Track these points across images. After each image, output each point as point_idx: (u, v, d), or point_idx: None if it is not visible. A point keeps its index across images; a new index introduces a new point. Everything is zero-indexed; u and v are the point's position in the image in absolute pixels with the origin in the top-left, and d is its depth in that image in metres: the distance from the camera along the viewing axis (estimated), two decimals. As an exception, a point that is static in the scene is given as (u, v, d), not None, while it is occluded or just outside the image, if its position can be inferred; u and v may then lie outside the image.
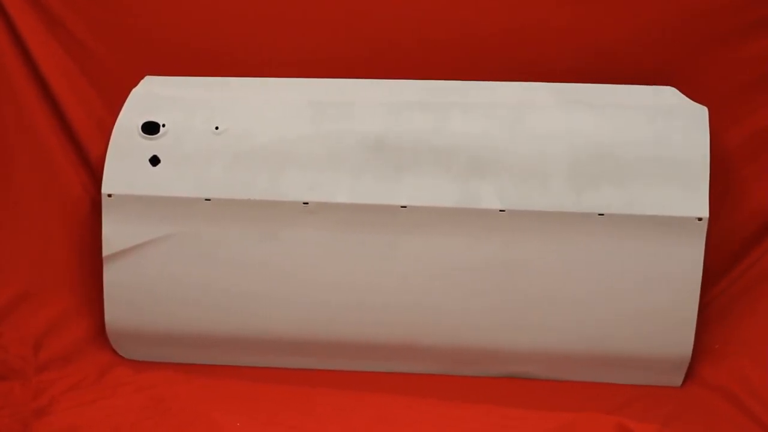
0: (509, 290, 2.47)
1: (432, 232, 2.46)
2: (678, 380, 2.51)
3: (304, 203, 2.48)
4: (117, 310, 2.57)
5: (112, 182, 2.52)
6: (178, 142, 2.54)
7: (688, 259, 2.42)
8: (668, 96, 2.54)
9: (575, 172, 2.44)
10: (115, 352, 2.62)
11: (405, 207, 2.46)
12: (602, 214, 2.42)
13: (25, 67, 2.66)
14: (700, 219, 2.40)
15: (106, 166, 2.54)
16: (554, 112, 2.52)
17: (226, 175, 2.50)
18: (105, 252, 2.54)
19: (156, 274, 2.53)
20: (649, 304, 2.45)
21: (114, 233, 2.52)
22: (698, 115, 2.49)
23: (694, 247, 2.41)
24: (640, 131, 2.48)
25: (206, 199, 2.50)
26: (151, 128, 2.56)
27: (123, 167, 2.53)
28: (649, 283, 2.44)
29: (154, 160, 2.53)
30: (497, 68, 2.63)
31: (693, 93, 2.54)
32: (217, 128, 2.55)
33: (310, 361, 2.58)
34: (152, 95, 2.62)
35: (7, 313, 2.60)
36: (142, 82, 2.66)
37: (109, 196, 2.52)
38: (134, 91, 2.63)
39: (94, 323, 2.65)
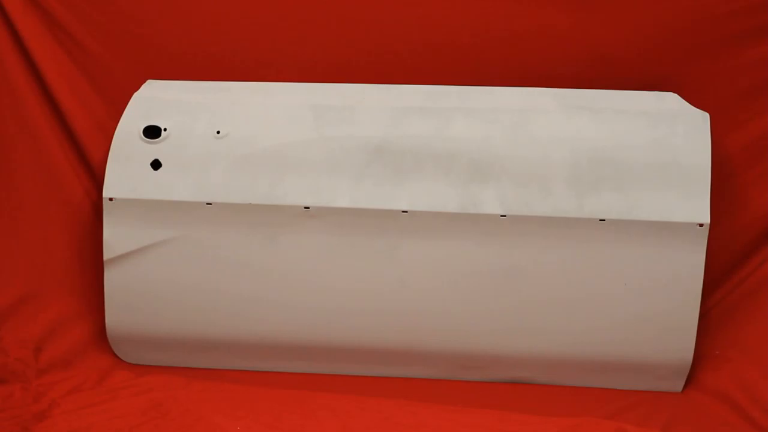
0: (510, 295, 2.47)
1: (433, 237, 2.46)
2: (679, 386, 2.51)
3: (304, 207, 2.48)
4: (117, 314, 2.57)
5: (113, 186, 2.52)
6: (179, 147, 2.54)
7: (689, 265, 2.42)
8: (670, 102, 2.54)
9: (576, 177, 2.44)
10: (115, 355, 2.62)
11: (406, 212, 2.46)
12: (603, 220, 2.42)
13: (27, 71, 2.67)
14: (701, 225, 2.40)
15: (108, 169, 2.54)
16: (556, 118, 2.52)
17: (227, 179, 2.50)
18: (106, 255, 2.54)
19: (157, 278, 2.53)
20: (650, 309, 2.45)
21: (115, 237, 2.52)
22: (700, 120, 2.50)
23: (696, 253, 2.41)
24: (641, 137, 2.48)
25: (207, 203, 2.50)
26: (152, 132, 2.56)
27: (124, 171, 2.53)
28: (651, 288, 2.44)
29: (156, 164, 2.53)
30: (499, 73, 2.64)
31: (694, 99, 2.55)
32: (218, 132, 2.55)
33: (310, 365, 2.57)
34: (154, 99, 2.62)
35: (7, 316, 2.60)
36: (143, 86, 2.66)
37: (111, 199, 2.52)
38: (136, 95, 2.64)
39: (94, 327, 2.66)
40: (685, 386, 2.51)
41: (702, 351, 2.52)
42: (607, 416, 2.37)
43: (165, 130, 2.56)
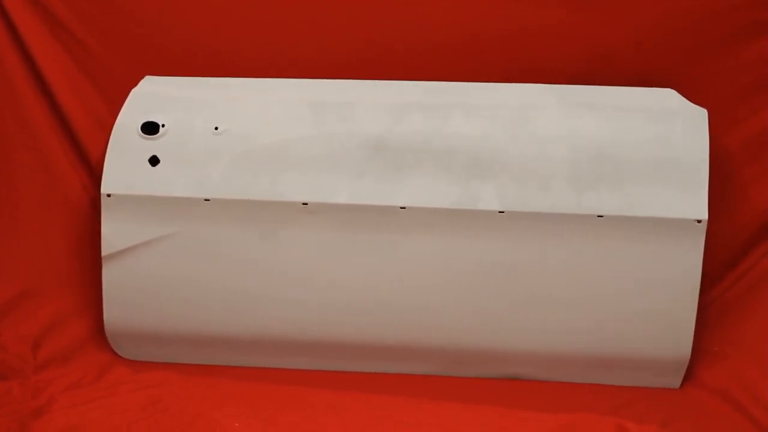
0: (508, 291, 2.47)
1: (431, 233, 2.46)
2: (677, 382, 2.51)
3: (303, 204, 2.48)
4: (116, 310, 2.57)
5: (111, 182, 2.52)
6: (177, 143, 2.54)
7: (687, 261, 2.42)
8: (668, 98, 2.54)
9: (575, 173, 2.44)
10: (113, 351, 2.62)
11: (404, 208, 2.46)
12: (602, 216, 2.42)
13: (26, 67, 2.66)
14: (699, 221, 2.40)
15: (106, 165, 2.54)
16: (555, 114, 2.52)
17: (226, 175, 2.50)
18: (104, 252, 2.53)
19: (155, 274, 2.53)
20: (648, 305, 2.45)
21: (113, 233, 2.52)
22: (698, 117, 2.50)
23: (694, 249, 2.41)
24: (639, 133, 2.48)
25: (206, 200, 2.50)
26: (150, 128, 2.56)
27: (122, 167, 2.53)
28: (649, 284, 2.44)
29: (154, 160, 2.53)
30: (498, 70, 2.64)
31: (692, 95, 2.54)
32: (216, 128, 2.55)
33: (308, 361, 2.57)
34: (152, 95, 2.62)
35: (6, 312, 2.60)
36: (141, 82, 2.66)
37: (109, 196, 2.52)
38: (134, 91, 2.63)
39: (93, 323, 2.65)
40: (683, 382, 2.51)
41: (700, 347, 2.52)
42: (605, 412, 2.37)
43: (163, 126, 2.56)
